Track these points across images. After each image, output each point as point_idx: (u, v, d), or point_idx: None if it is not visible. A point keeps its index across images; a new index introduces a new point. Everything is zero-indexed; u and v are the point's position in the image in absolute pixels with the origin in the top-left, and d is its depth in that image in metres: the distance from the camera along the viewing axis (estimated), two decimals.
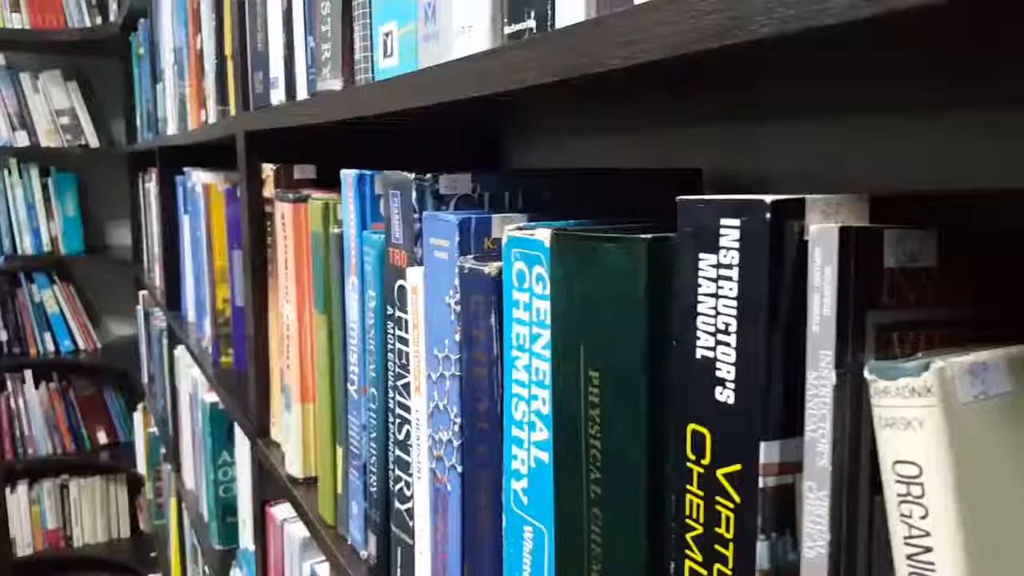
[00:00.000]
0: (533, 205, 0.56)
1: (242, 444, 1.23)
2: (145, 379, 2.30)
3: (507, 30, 0.40)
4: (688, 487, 0.29)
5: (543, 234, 0.36)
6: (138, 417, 2.35)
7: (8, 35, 2.38)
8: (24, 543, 2.55)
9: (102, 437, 2.61)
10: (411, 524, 0.57)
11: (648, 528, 0.31)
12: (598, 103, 0.59)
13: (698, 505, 0.28)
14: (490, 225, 0.46)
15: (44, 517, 2.59)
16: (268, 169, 0.86)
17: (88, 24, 2.46)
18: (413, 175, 0.53)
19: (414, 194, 0.53)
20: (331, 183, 0.85)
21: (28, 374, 2.52)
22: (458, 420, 0.47)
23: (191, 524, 1.57)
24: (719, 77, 0.39)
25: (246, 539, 1.27)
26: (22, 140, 2.44)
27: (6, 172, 2.44)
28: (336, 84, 0.59)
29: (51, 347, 2.51)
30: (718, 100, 0.55)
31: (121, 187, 2.54)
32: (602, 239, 0.31)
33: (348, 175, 0.62)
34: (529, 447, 0.39)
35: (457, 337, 0.46)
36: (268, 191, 0.88)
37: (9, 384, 2.50)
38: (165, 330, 1.79)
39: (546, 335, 0.37)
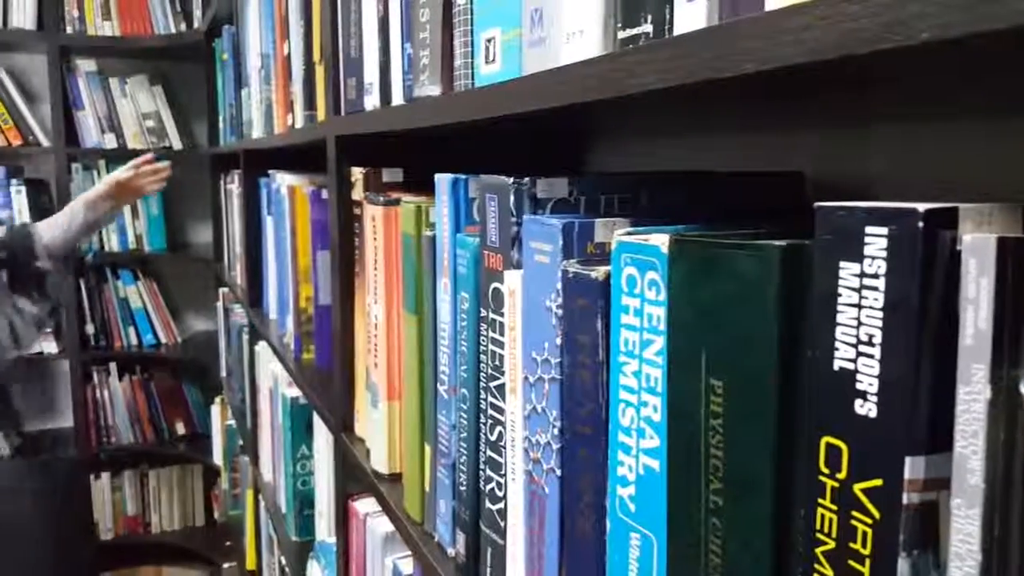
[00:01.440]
0: (630, 209, 0.56)
1: (322, 438, 1.27)
2: (223, 373, 2.38)
3: (621, 35, 0.40)
4: (820, 501, 0.28)
5: (659, 239, 0.36)
6: (215, 410, 2.44)
7: (100, 42, 2.52)
8: (106, 528, 2.68)
9: (180, 428, 2.72)
10: (502, 524, 0.57)
11: (773, 541, 0.30)
12: (684, 105, 0.58)
13: (831, 520, 0.28)
14: (593, 229, 0.46)
15: (125, 504, 2.72)
16: (357, 172, 0.88)
17: (173, 31, 2.57)
18: (511, 179, 0.53)
19: (512, 198, 0.53)
20: (418, 186, 0.87)
21: (113, 366, 2.65)
22: (557, 423, 0.47)
23: (268, 515, 1.62)
24: (831, 79, 0.38)
25: (323, 531, 1.31)
26: (111, 142, 2.57)
27: (95, 173, 2.57)
28: (435, 90, 0.60)
29: (134, 340, 2.63)
30: (822, 102, 0.54)
31: (202, 188, 2.64)
32: (730, 245, 0.31)
33: (442, 179, 0.63)
34: (638, 454, 0.39)
35: (558, 341, 0.46)
36: (356, 194, 0.90)
37: (95, 376, 2.63)
38: (246, 326, 1.85)
39: (659, 342, 0.37)
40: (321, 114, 1.06)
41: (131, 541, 2.71)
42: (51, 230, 1.58)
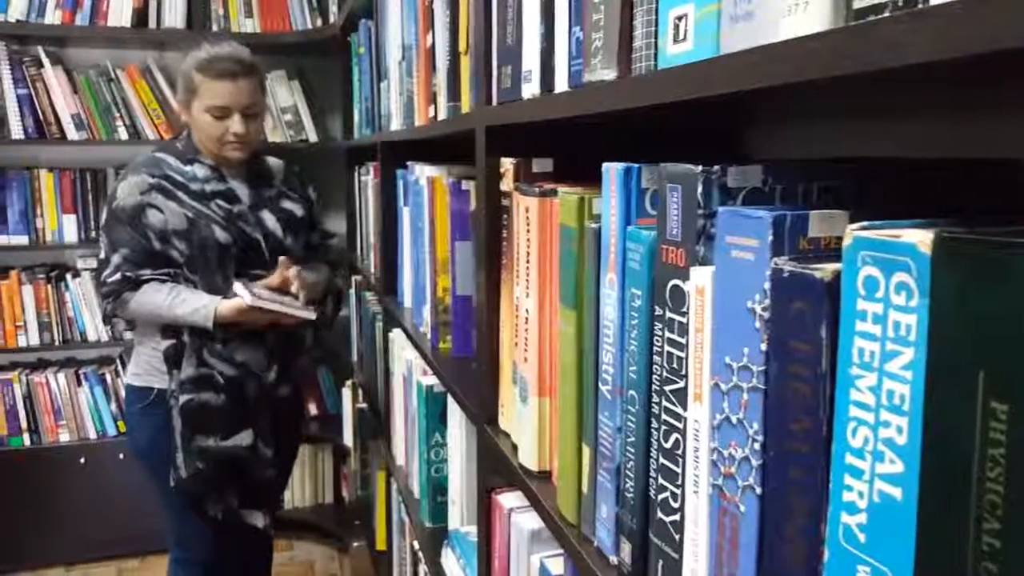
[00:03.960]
0: (832, 199, 0.51)
1: (456, 427, 1.27)
2: (354, 357, 2.47)
3: (857, 4, 0.35)
4: None
5: (916, 236, 0.31)
6: (346, 392, 2.53)
7: (243, 39, 2.65)
8: None
9: (312, 409, 2.84)
10: (677, 538, 0.54)
11: None
12: (856, 88, 0.52)
13: None
14: (807, 223, 0.41)
15: None
16: (507, 163, 0.86)
17: (310, 26, 2.67)
18: (700, 167, 0.49)
19: (699, 187, 0.49)
20: (569, 177, 0.84)
21: None
22: (759, 438, 0.43)
23: (400, 499, 1.66)
24: None
25: (455, 520, 1.32)
26: None
27: None
28: (609, 74, 0.56)
29: None
30: None
31: (337, 179, 2.74)
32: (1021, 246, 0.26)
33: (612, 168, 0.59)
34: (872, 479, 0.34)
35: (762, 347, 0.42)
36: (504, 185, 0.88)
37: None
38: (379, 313, 1.90)
39: (907, 354, 0.32)
40: (465, 105, 1.06)
41: None
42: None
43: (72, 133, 2.49)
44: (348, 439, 2.49)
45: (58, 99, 2.48)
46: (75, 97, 2.50)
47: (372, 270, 2.05)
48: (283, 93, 2.75)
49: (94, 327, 2.60)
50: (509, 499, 0.91)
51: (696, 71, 0.46)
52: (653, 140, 0.93)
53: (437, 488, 1.42)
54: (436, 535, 1.38)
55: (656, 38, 0.52)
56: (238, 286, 1.57)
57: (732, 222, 0.44)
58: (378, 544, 2.02)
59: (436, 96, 1.18)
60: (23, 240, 2.53)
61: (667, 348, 0.54)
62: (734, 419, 0.45)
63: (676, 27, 0.49)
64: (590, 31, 0.60)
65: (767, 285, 0.41)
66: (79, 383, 2.59)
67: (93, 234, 2.54)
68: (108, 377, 2.62)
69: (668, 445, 0.54)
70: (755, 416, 0.43)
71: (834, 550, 0.37)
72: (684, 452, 0.52)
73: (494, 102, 0.87)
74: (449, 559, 1.25)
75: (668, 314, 0.53)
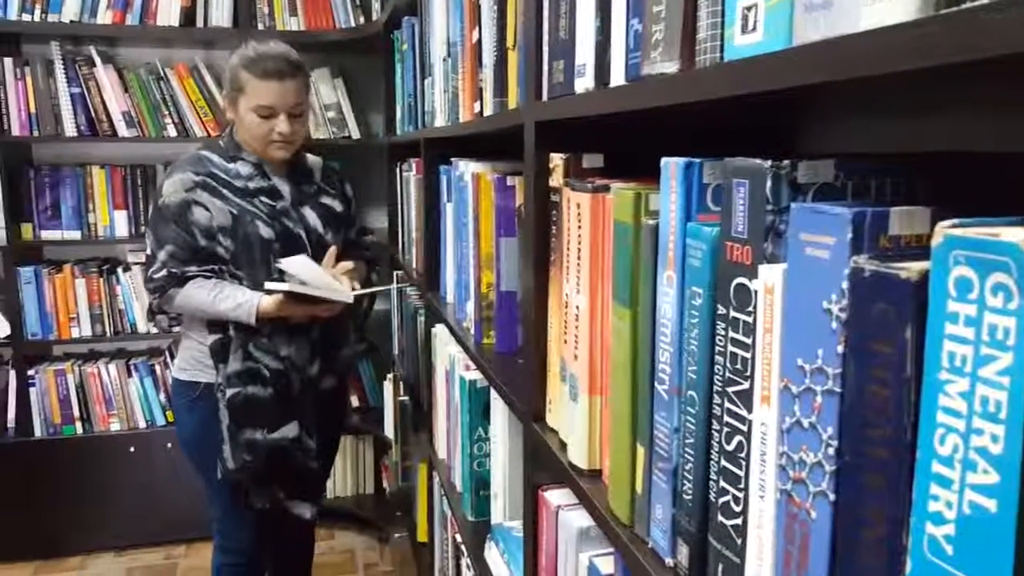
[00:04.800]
0: (905, 195, 0.49)
1: (499, 422, 1.27)
2: (395, 351, 2.49)
3: None
4: None
5: (1020, 236, 0.30)
6: (387, 386, 2.55)
7: (287, 37, 2.68)
8: None
9: (354, 401, 2.87)
10: (739, 541, 0.53)
11: None
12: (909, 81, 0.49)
13: None
14: (887, 220, 0.40)
15: None
16: (556, 159, 0.85)
17: (352, 24, 2.68)
18: (769, 162, 0.48)
19: (768, 182, 0.48)
20: (620, 172, 0.83)
21: None
22: (834, 442, 0.41)
23: (441, 492, 1.67)
24: None
25: (498, 514, 1.32)
26: None
27: None
28: (671, 67, 0.55)
29: None
30: None
31: (378, 175, 2.76)
32: None
33: (671, 163, 0.58)
34: (962, 489, 0.33)
35: (839, 348, 0.40)
36: (554, 181, 0.87)
37: None
38: (421, 308, 1.91)
39: (1005, 359, 0.31)
40: (512, 100, 1.05)
41: None
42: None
43: (123, 130, 2.55)
44: (389, 431, 2.51)
45: (109, 97, 2.54)
46: (126, 95, 2.56)
47: (414, 265, 2.06)
48: (326, 90, 2.77)
49: (143, 319, 2.66)
50: (557, 496, 0.91)
51: (768, 63, 0.44)
52: (701, 135, 0.92)
53: (480, 482, 1.42)
54: (479, 529, 1.38)
55: (722, 29, 0.50)
56: (276, 275, 1.59)
57: (807, 218, 0.43)
58: (419, 535, 2.04)
59: (482, 92, 1.17)
60: (76, 235, 2.60)
61: (730, 348, 0.52)
62: (806, 423, 0.44)
63: (745, 17, 0.48)
64: (650, 23, 0.58)
65: (845, 285, 0.39)
66: (129, 374, 2.66)
67: (143, 229, 2.60)
68: (157, 368, 2.68)
69: (730, 447, 0.53)
70: (830, 420, 0.41)
71: (918, 561, 0.35)
72: (748, 455, 0.51)
73: (544, 97, 0.86)
74: (492, 553, 1.25)
75: (732, 313, 0.52)
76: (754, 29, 0.47)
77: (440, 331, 1.64)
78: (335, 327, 1.74)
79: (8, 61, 2.47)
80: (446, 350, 1.58)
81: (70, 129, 2.52)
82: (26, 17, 2.44)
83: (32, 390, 2.57)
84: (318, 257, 1.67)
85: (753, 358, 0.50)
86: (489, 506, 1.39)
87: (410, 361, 2.16)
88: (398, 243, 2.46)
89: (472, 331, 1.36)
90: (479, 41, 1.18)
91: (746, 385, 0.51)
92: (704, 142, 0.92)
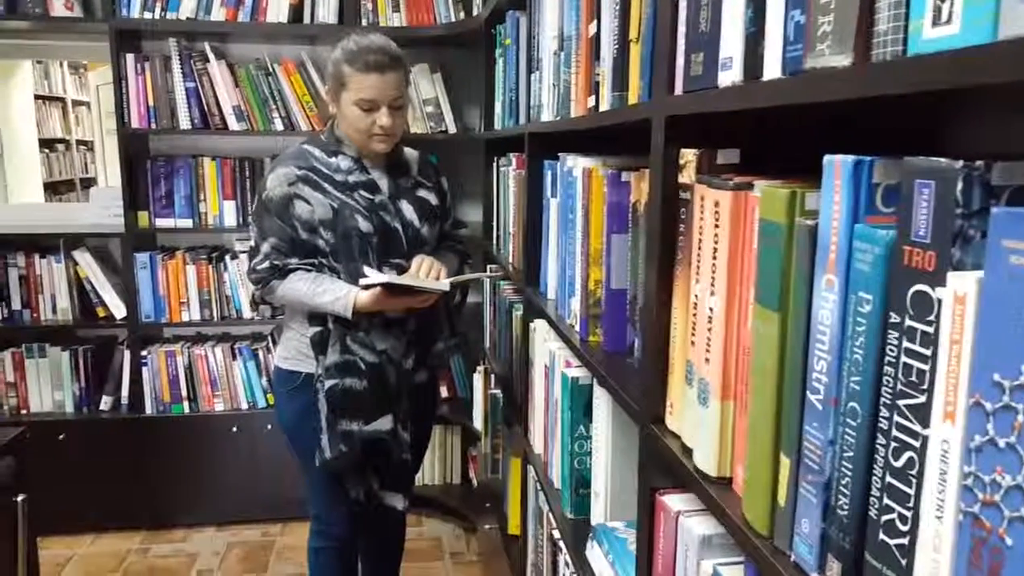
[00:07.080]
0: None
1: (603, 421, 1.26)
2: (487, 343, 2.50)
3: None
4: None
5: None
6: (477, 377, 2.58)
7: (390, 33, 2.73)
8: None
9: (443, 391, 2.92)
10: (904, 562, 0.50)
11: None
12: None
13: None
14: None
15: None
16: (689, 154, 0.83)
17: (453, 19, 2.71)
18: (960, 162, 0.45)
19: (959, 184, 0.45)
20: (754, 169, 0.80)
21: None
22: None
23: (537, 487, 1.67)
24: None
25: (598, 514, 1.30)
26: None
27: None
28: (841, 60, 0.52)
29: None
30: None
31: (474, 169, 2.78)
32: None
33: (837, 160, 0.55)
34: None
35: None
36: (683, 177, 0.85)
37: None
38: (517, 303, 1.91)
39: None
40: (633, 94, 1.03)
41: None
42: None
43: (233, 124, 2.67)
44: (478, 423, 2.53)
45: (221, 92, 2.65)
46: (236, 90, 2.67)
47: (510, 260, 2.07)
48: (425, 85, 2.81)
49: (248, 306, 2.77)
50: (676, 501, 0.89)
51: (968, 58, 0.41)
52: (833, 132, 0.87)
53: (579, 480, 1.41)
54: (578, 527, 1.37)
55: (907, 20, 0.48)
56: (369, 271, 1.62)
57: (1012, 224, 0.40)
58: (511, 528, 2.05)
59: (599, 86, 1.16)
60: (188, 223, 2.73)
61: (904, 359, 0.49)
62: (1002, 442, 0.41)
63: (937, 8, 0.45)
64: (816, 14, 0.56)
65: None
66: (234, 357, 2.78)
67: (249, 219, 2.71)
68: (260, 353, 2.79)
69: (899, 464, 0.50)
70: None
71: None
72: (921, 472, 0.48)
73: (677, 90, 0.84)
74: (595, 552, 1.24)
75: (908, 322, 0.49)
76: (948, 21, 0.44)
77: (539, 326, 1.64)
78: (430, 322, 1.76)
79: (130, 57, 2.61)
80: (546, 346, 1.57)
81: (184, 122, 2.65)
82: (147, 15, 2.57)
83: (144, 370, 2.72)
84: (413, 251, 1.69)
85: (933, 370, 0.47)
86: (589, 505, 1.38)
87: (503, 355, 2.17)
88: (492, 237, 2.47)
89: (577, 328, 1.36)
90: (597, 34, 1.17)
91: (922, 399, 0.48)
92: (826, 140, 0.88)
